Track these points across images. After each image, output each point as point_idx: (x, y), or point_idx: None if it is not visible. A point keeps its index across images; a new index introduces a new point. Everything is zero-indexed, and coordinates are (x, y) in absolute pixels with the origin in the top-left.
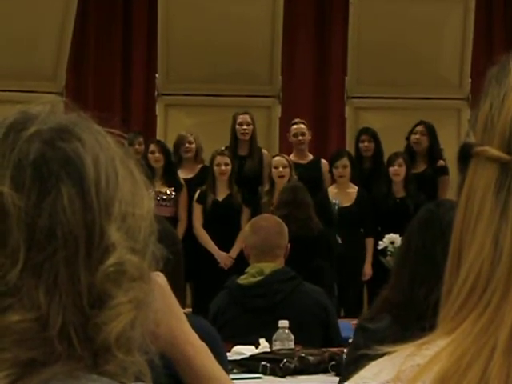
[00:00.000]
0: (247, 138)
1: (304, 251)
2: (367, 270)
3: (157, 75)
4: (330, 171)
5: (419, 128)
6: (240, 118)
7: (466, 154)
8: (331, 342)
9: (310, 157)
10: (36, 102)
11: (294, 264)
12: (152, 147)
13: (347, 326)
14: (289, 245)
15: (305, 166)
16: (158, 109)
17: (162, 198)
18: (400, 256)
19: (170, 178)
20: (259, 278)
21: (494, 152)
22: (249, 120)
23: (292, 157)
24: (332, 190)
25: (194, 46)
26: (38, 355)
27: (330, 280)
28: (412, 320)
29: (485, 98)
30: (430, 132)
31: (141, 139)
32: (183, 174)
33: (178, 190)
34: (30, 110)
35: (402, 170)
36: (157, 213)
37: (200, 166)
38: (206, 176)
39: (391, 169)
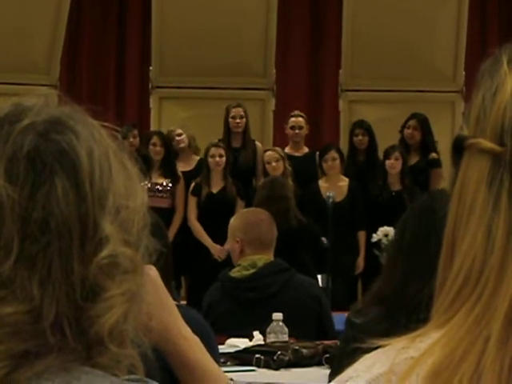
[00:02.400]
0: (240, 130)
1: (284, 244)
2: (360, 262)
3: (151, 68)
4: (320, 165)
5: (412, 122)
6: (233, 112)
7: (459, 147)
8: (325, 334)
9: (306, 150)
10: (30, 94)
11: (275, 257)
12: (154, 139)
13: (341, 319)
14: None
15: (300, 158)
16: (152, 101)
17: (158, 190)
18: (393, 248)
19: (168, 170)
20: (252, 270)
21: (487, 144)
22: (242, 113)
23: (288, 149)
24: (323, 184)
25: (188, 39)
26: (31, 347)
27: (313, 272)
28: (401, 315)
29: (477, 90)
30: (423, 125)
31: (135, 132)
32: (181, 167)
33: (174, 181)
34: (24, 102)
35: (399, 164)
36: (153, 204)
37: (198, 158)
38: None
39: (388, 162)
